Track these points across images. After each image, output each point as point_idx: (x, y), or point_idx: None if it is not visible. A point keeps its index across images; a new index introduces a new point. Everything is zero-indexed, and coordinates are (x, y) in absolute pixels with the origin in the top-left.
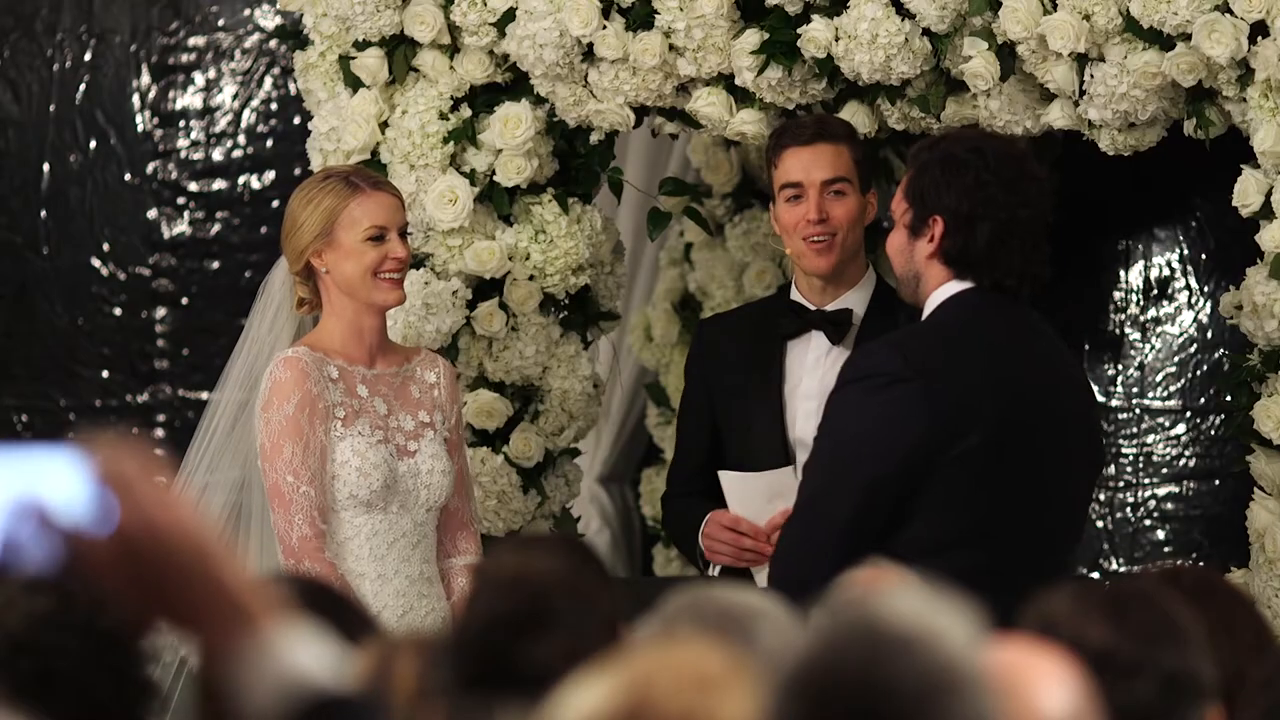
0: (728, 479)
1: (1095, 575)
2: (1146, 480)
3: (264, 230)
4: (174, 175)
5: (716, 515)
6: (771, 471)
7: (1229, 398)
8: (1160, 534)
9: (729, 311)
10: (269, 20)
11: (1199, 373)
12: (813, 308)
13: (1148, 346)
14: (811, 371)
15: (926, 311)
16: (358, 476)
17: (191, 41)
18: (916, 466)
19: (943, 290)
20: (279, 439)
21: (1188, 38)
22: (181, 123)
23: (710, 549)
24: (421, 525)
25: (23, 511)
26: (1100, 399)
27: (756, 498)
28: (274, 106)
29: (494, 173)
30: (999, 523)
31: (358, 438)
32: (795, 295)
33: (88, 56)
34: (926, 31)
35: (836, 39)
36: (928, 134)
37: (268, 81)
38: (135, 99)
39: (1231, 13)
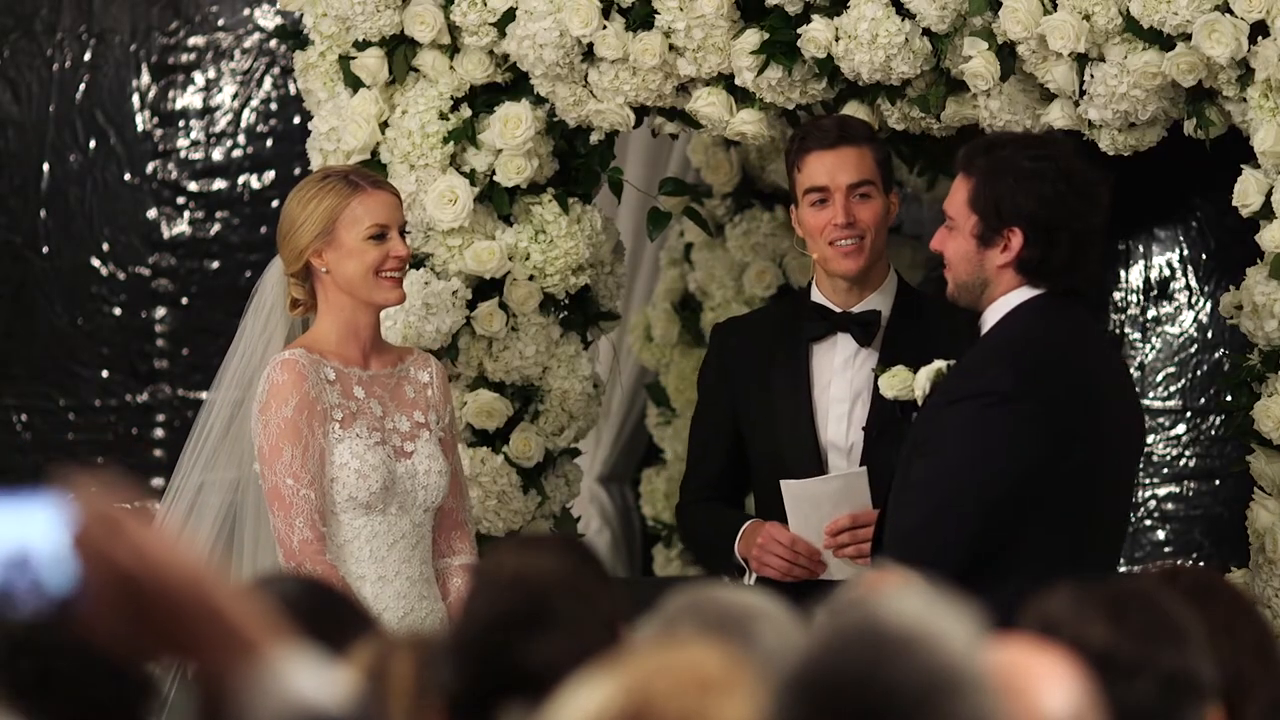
0: (791, 489)
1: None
2: (1147, 480)
3: (264, 230)
4: (174, 175)
5: (773, 530)
6: (839, 475)
7: (1229, 398)
8: (1160, 534)
9: (743, 315)
10: (269, 20)
11: (1199, 373)
12: (838, 310)
13: (1148, 346)
14: (841, 374)
15: (994, 317)
16: (356, 479)
17: (191, 41)
18: (1034, 484)
19: (1012, 296)
20: (278, 441)
21: (1188, 38)
22: (181, 123)
23: (760, 560)
24: (419, 526)
25: (12, 561)
26: None
27: (822, 504)
28: (274, 106)
29: (494, 173)
30: (1091, 531)
31: (356, 440)
32: (818, 297)
33: (88, 56)
34: (926, 31)
35: (836, 39)
36: (928, 134)
37: (268, 81)
38: (135, 99)
39: (1231, 13)
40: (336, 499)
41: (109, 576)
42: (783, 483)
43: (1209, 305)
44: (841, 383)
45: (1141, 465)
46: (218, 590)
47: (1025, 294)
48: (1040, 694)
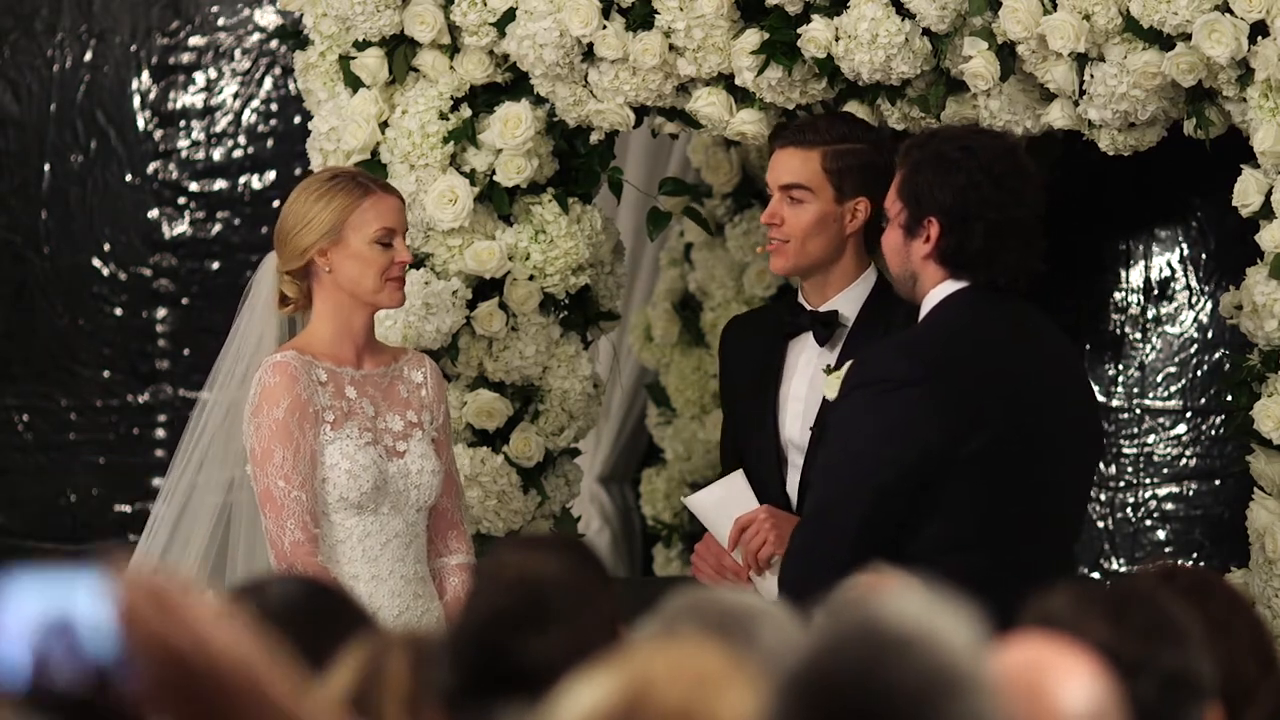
0: (691, 503)
1: (1095, 575)
2: (1147, 480)
3: (264, 230)
4: (174, 175)
5: (708, 542)
6: (721, 481)
7: (1229, 398)
8: (1161, 534)
9: (749, 313)
10: (269, 20)
11: (1199, 373)
12: (809, 308)
13: (1148, 346)
14: (801, 372)
15: (923, 311)
16: (347, 479)
17: (191, 41)
18: (926, 470)
19: (940, 290)
20: (269, 444)
21: (1188, 38)
22: (182, 123)
23: (696, 567)
24: (413, 525)
25: (51, 632)
26: (1100, 399)
27: (719, 510)
28: (274, 106)
29: (494, 173)
30: (1008, 521)
31: (346, 440)
32: (800, 296)
33: (88, 56)
34: (926, 31)
35: (836, 39)
36: None
37: (268, 81)
38: (135, 99)
39: (1231, 13)
40: (328, 499)
41: (158, 654)
42: (684, 499)
43: (1209, 305)
44: (801, 382)
45: (1142, 465)
46: (271, 675)
47: (951, 286)
48: (1060, 692)
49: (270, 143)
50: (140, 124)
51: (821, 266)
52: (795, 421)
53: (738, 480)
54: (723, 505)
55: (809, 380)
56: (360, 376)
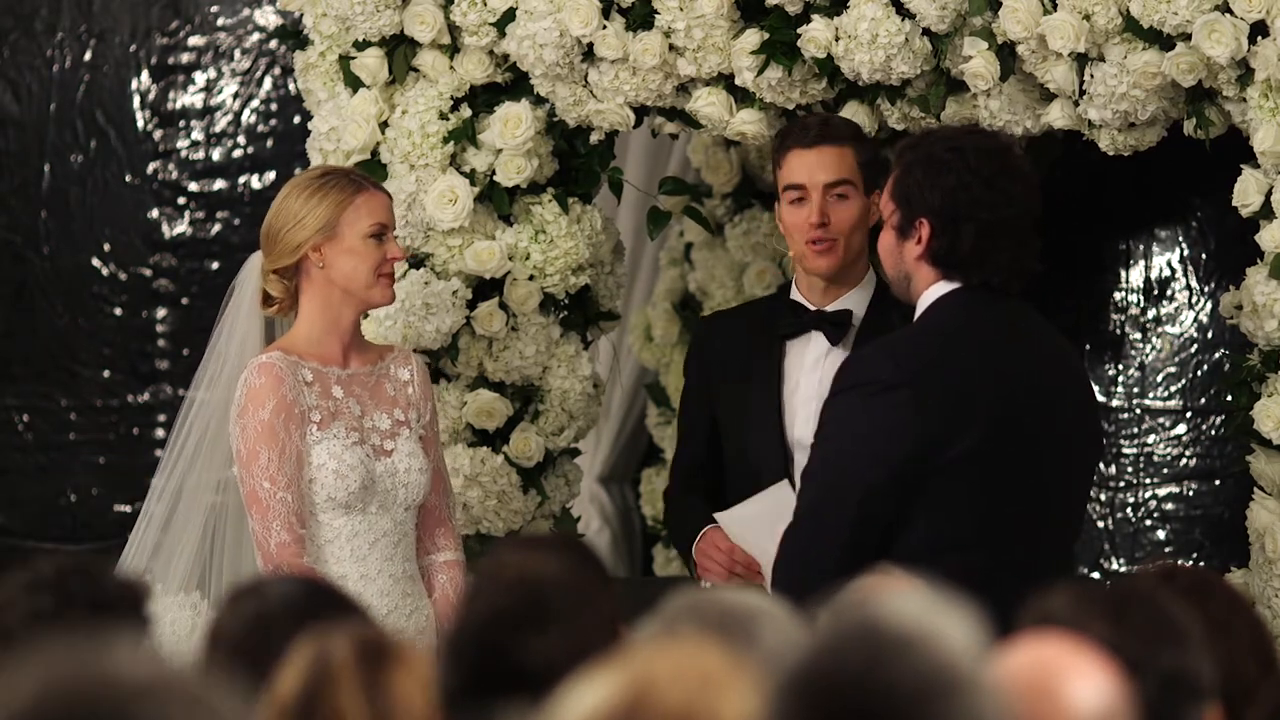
0: (724, 520)
1: (1095, 575)
2: (1147, 480)
3: None
4: (174, 175)
5: (714, 536)
6: (764, 494)
7: (1229, 398)
8: (1161, 534)
9: (730, 309)
10: (269, 20)
11: (1199, 373)
12: (812, 308)
13: (1148, 346)
14: (810, 373)
15: (918, 312)
16: (335, 479)
17: (191, 41)
18: (912, 471)
19: (932, 291)
20: (255, 445)
21: (1188, 38)
22: (181, 123)
23: (703, 565)
24: (401, 524)
25: None
26: (1100, 399)
27: (758, 524)
28: (274, 106)
29: (494, 173)
30: (1000, 522)
31: (333, 440)
32: (796, 295)
33: (88, 56)
34: (926, 31)
35: (836, 39)
36: None
37: (268, 81)
38: (135, 99)
39: (1231, 13)
40: (316, 500)
41: None
42: (716, 515)
43: (1209, 305)
44: (811, 381)
45: (1142, 465)
46: None
47: (944, 288)
48: (1071, 692)
49: (270, 143)
50: (140, 124)
51: (855, 262)
52: (807, 423)
53: (782, 491)
54: (765, 517)
55: (818, 380)
56: (347, 376)
